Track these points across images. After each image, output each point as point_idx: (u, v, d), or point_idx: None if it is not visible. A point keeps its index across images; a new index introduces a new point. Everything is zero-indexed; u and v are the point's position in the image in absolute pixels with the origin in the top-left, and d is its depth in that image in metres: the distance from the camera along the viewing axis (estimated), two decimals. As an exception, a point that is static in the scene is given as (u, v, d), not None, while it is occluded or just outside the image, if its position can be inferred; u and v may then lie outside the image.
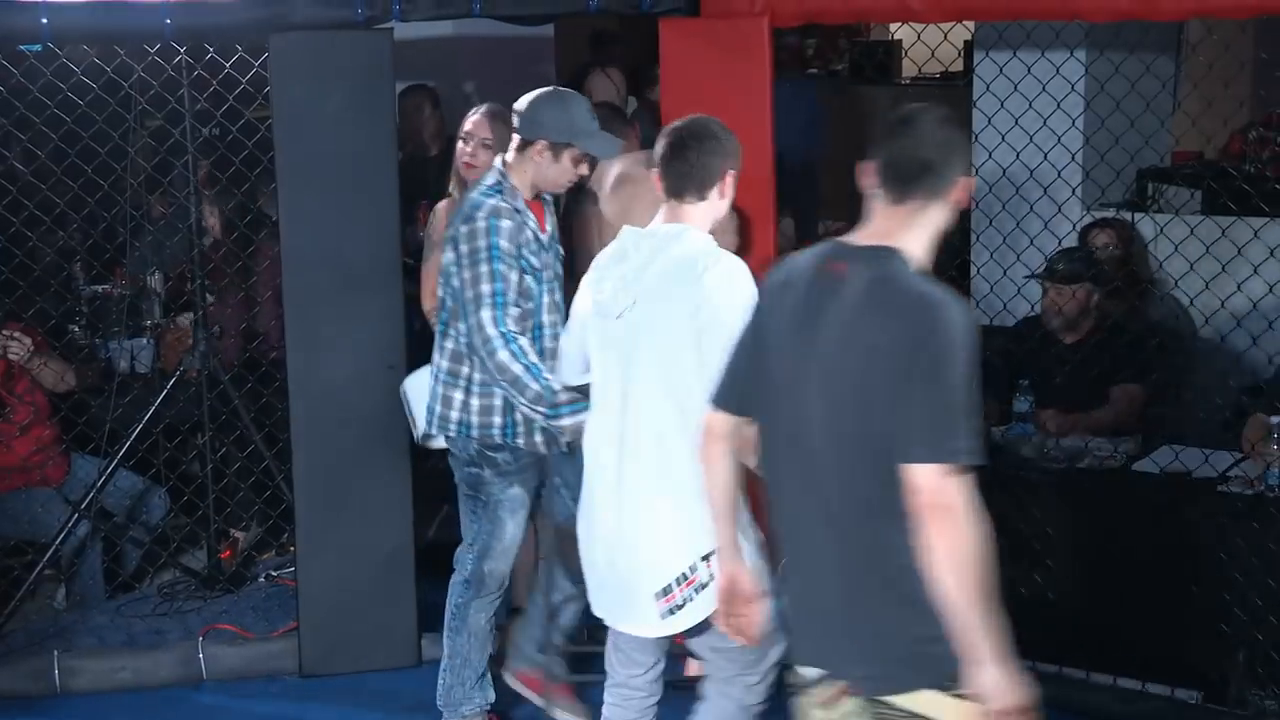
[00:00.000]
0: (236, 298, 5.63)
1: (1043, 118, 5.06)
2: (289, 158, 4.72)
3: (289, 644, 4.95)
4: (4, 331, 5.19)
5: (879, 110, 9.42)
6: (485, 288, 3.99)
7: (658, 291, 3.45)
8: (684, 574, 3.44)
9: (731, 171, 3.53)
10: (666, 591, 3.45)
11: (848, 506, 2.76)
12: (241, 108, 5.13)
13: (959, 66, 9.02)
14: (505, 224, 4.02)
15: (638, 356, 3.48)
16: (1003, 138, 5.09)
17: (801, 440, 2.81)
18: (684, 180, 3.50)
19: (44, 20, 4.43)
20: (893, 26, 9.83)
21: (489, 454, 4.16)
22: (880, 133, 2.88)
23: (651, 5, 4.78)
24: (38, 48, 4.96)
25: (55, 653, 4.87)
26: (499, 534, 4.23)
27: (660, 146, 3.54)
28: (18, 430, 5.23)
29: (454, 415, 4.17)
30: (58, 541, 5.08)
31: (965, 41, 7.42)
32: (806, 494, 2.82)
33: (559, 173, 4.12)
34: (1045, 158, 5.08)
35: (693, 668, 4.09)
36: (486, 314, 3.98)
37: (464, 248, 4.02)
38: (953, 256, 5.20)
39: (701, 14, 4.75)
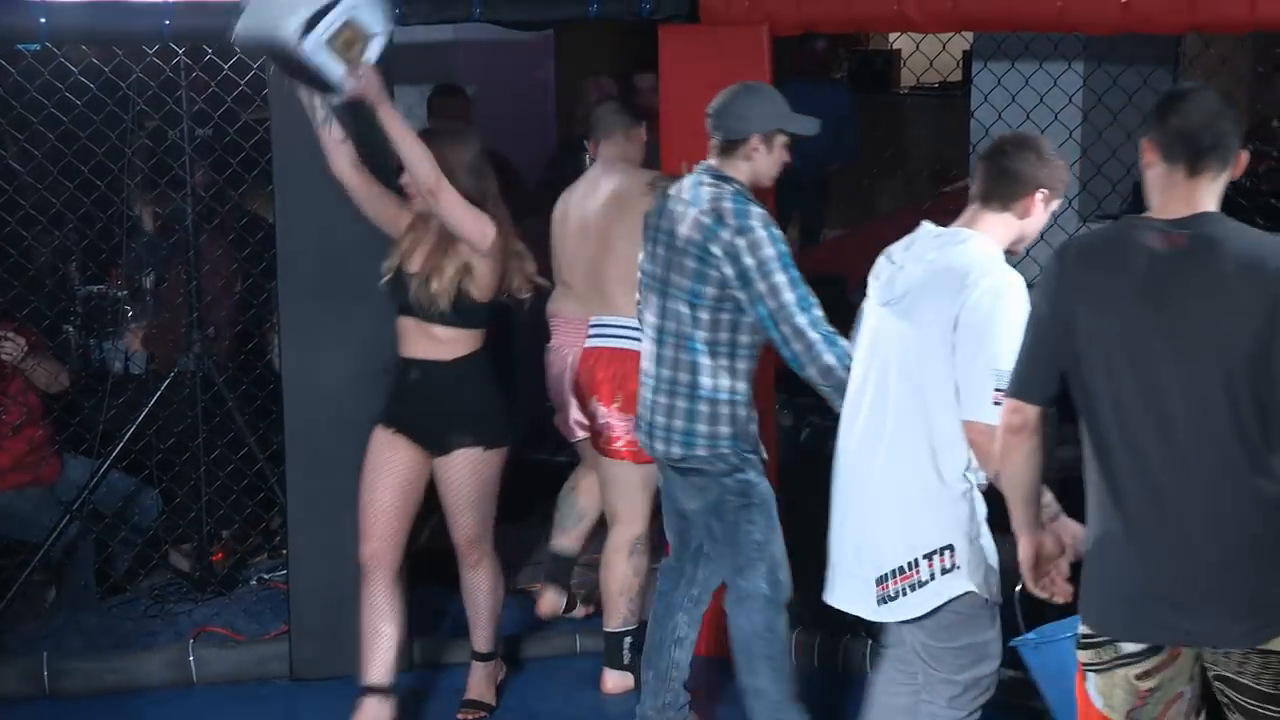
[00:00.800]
0: (228, 299, 5.62)
1: (1040, 129, 5.05)
2: (286, 160, 4.71)
3: (280, 647, 4.94)
4: (-2, 331, 5.18)
5: (877, 119, 9.44)
6: (789, 296, 3.84)
7: (924, 290, 3.47)
8: (901, 567, 3.48)
9: (1043, 192, 3.52)
10: (882, 580, 3.51)
11: (1218, 470, 2.84)
12: (239, 109, 5.13)
13: (957, 77, 9.04)
14: (776, 229, 3.95)
15: (891, 349, 3.52)
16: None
17: (1154, 409, 2.87)
18: (989, 185, 3.52)
19: (42, 20, 4.44)
20: (891, 36, 9.84)
21: (748, 455, 4.04)
22: (1161, 109, 2.96)
23: (652, 11, 4.78)
24: (35, 47, 4.96)
25: (45, 654, 4.86)
26: (778, 533, 4.09)
27: (983, 148, 3.61)
28: (10, 430, 5.23)
29: (705, 429, 4.01)
30: (49, 542, 5.07)
31: (964, 52, 7.44)
32: (1163, 466, 2.87)
33: (773, 163, 4.05)
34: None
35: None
36: (802, 320, 3.83)
37: (749, 260, 3.87)
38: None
39: (701, 21, 4.76)
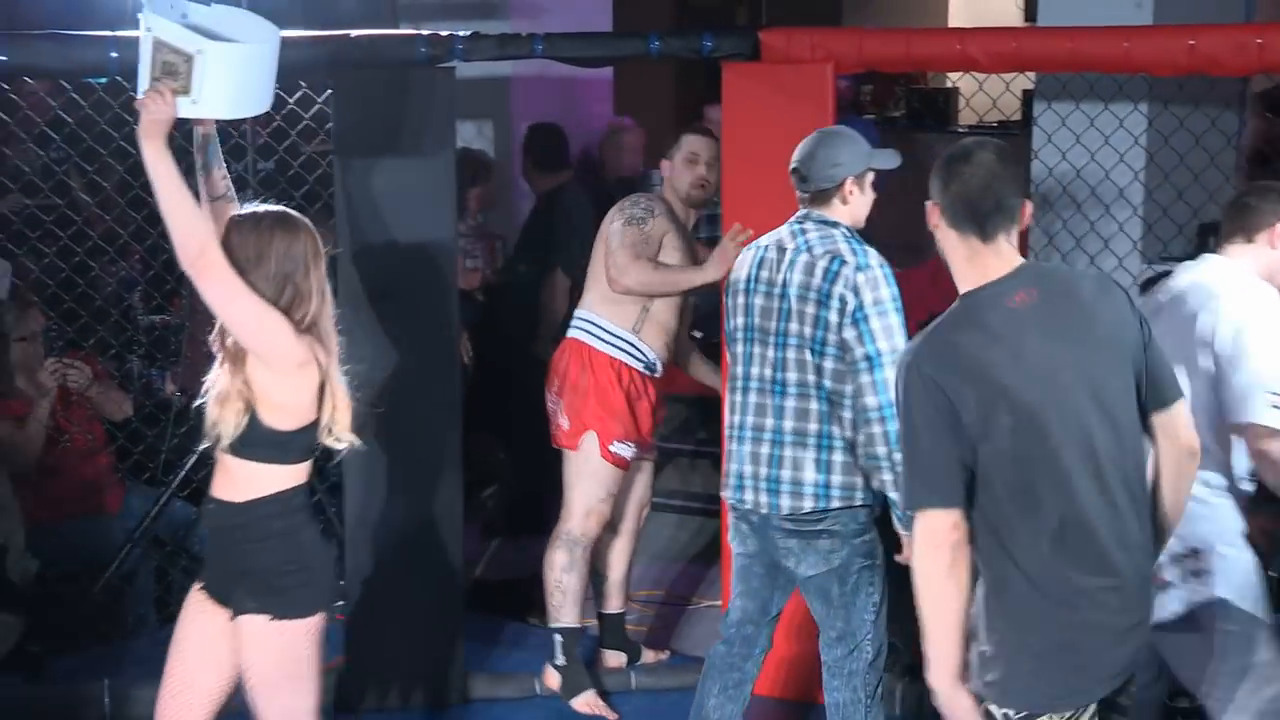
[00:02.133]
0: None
1: (1105, 170, 5.03)
2: (348, 192, 4.76)
3: (333, 679, 4.94)
4: (64, 360, 5.24)
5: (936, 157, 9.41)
6: (898, 340, 3.77)
7: (1171, 311, 3.63)
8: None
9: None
10: None
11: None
12: (303, 143, 5.18)
13: (1019, 116, 8.99)
14: (889, 270, 3.91)
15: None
16: (1064, 189, 5.07)
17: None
18: (1232, 219, 3.71)
19: (113, 54, 4.48)
20: (952, 74, 9.82)
21: (870, 509, 3.91)
22: (942, 174, 2.98)
23: (713, 50, 4.79)
24: (103, 80, 5.03)
25: (105, 681, 4.88)
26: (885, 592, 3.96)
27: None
28: (76, 459, 5.28)
29: (840, 479, 3.86)
30: (111, 570, 5.11)
31: (1025, 91, 7.40)
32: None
33: (867, 202, 4.02)
34: (1107, 210, 5.04)
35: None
36: (891, 374, 3.65)
37: (867, 296, 3.81)
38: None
39: (763, 59, 4.76)
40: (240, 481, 3.43)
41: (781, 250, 3.93)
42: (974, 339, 2.89)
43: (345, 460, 4.80)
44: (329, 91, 4.82)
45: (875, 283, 3.81)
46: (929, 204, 2.99)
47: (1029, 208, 2.99)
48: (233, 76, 3.48)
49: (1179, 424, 3.00)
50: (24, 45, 4.45)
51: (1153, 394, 2.97)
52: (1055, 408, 2.84)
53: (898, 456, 3.32)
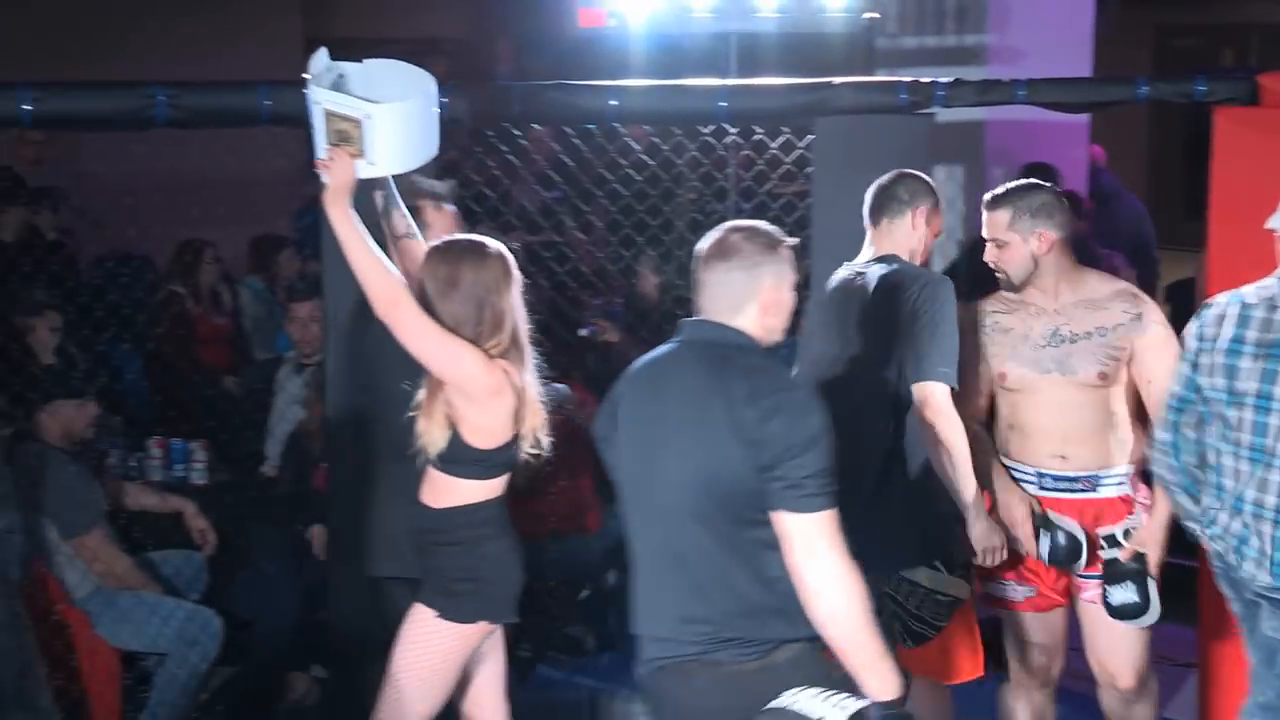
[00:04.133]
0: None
1: None
2: (824, 234, 4.87)
3: None
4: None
5: None
6: None
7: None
8: None
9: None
10: None
11: None
12: (783, 186, 5.36)
13: None
14: None
15: None
16: None
17: None
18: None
19: (613, 102, 4.74)
20: None
21: None
22: None
23: (1207, 94, 4.63)
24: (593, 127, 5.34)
25: (585, 690, 5.16)
26: None
27: None
28: (562, 479, 5.60)
29: None
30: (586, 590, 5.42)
31: None
32: None
33: None
34: None
35: None
36: None
37: None
38: None
39: (1262, 103, 4.57)
40: (441, 491, 3.67)
41: (1274, 308, 3.66)
42: None
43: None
44: (810, 136, 4.96)
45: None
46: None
47: None
48: (401, 132, 3.62)
49: None
50: (536, 95, 4.74)
51: None
52: None
53: None
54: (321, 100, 3.58)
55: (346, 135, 3.54)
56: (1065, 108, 5.23)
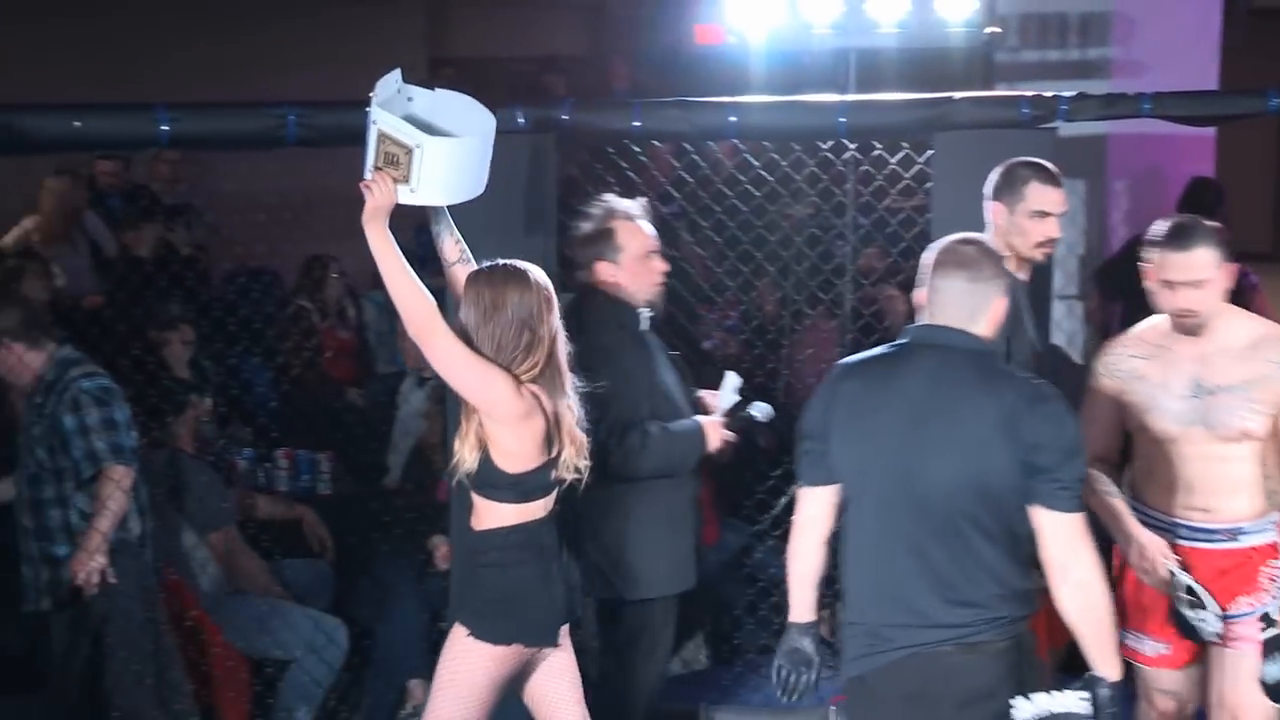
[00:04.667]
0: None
1: None
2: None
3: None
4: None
5: None
6: None
7: None
8: None
9: None
10: None
11: None
12: (902, 201, 5.34)
13: None
14: None
15: None
16: None
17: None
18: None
19: (732, 119, 4.75)
20: None
21: None
22: None
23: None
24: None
25: (702, 704, 5.14)
26: None
27: None
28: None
29: None
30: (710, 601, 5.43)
31: None
32: None
33: None
34: None
35: None
36: None
37: None
38: None
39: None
40: (479, 513, 3.72)
41: None
42: None
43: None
44: (929, 152, 4.95)
45: None
46: None
47: None
48: (449, 167, 3.68)
49: None
50: (655, 111, 4.78)
51: None
52: None
53: None
54: (379, 121, 3.66)
55: (395, 159, 3.63)
56: (1192, 121, 5.16)
